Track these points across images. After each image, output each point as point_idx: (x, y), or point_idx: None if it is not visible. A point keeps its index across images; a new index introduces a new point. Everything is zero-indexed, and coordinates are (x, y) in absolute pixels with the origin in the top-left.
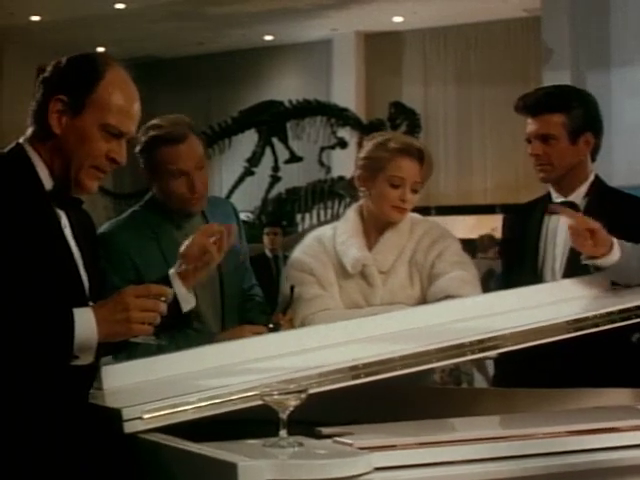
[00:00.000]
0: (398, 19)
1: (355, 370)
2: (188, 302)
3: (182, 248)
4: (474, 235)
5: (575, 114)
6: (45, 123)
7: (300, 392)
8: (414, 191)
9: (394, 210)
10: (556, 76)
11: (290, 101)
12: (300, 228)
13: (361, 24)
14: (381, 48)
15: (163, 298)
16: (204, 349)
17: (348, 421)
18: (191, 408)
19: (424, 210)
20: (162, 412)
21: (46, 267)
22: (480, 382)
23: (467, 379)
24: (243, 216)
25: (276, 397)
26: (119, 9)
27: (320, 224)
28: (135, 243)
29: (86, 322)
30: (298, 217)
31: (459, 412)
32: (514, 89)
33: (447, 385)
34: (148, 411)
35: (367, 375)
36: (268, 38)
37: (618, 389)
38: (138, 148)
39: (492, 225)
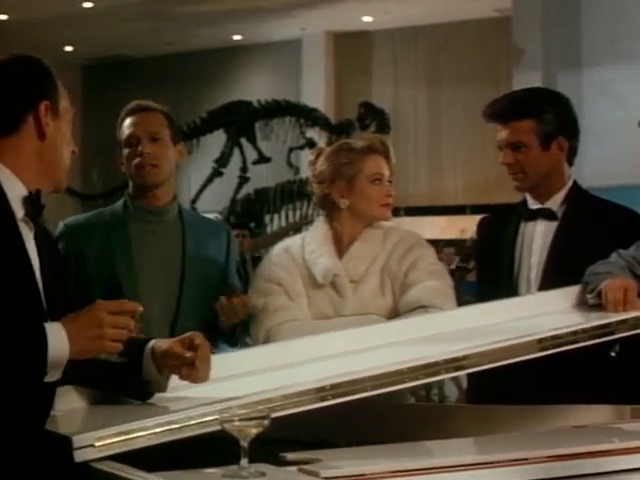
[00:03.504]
0: (368, 19)
1: (322, 392)
2: (159, 387)
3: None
4: (446, 236)
5: (545, 119)
6: (28, 130)
7: (262, 418)
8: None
9: (384, 208)
10: (527, 76)
11: (259, 101)
12: (269, 229)
13: (331, 24)
14: (351, 48)
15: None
16: None
17: (315, 438)
18: (147, 434)
19: (393, 211)
20: (116, 439)
21: (13, 282)
22: (451, 387)
23: (438, 384)
24: (212, 217)
25: (237, 424)
26: (87, 8)
27: (289, 225)
28: (86, 242)
29: (57, 338)
30: (267, 218)
31: (434, 430)
32: (485, 89)
33: (418, 391)
34: (100, 438)
35: (335, 397)
36: (237, 38)
37: (598, 405)
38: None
39: (462, 226)
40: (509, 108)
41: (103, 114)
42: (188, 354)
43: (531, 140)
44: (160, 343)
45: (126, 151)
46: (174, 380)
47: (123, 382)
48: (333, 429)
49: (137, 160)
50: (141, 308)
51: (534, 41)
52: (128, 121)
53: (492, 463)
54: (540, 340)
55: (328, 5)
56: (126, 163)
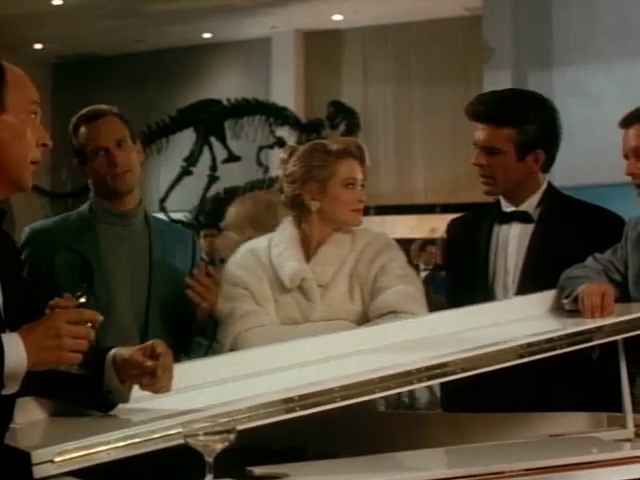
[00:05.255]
0: (338, 17)
1: (290, 403)
2: (121, 398)
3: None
4: (415, 235)
5: (526, 130)
6: None
7: (228, 432)
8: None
9: (355, 213)
10: (497, 75)
11: (228, 100)
12: None
13: (301, 22)
14: (321, 47)
15: (90, 324)
16: None
17: (284, 446)
18: (108, 449)
19: (363, 210)
20: (76, 454)
21: None
22: (422, 390)
23: None
24: (181, 216)
25: (201, 438)
26: (57, 5)
27: None
28: (55, 247)
29: (15, 349)
30: None
31: (407, 438)
32: (455, 88)
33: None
34: (60, 453)
35: (303, 408)
36: (207, 36)
37: (574, 413)
38: (71, 139)
39: (432, 225)
40: (492, 111)
41: (73, 112)
42: (149, 363)
43: (508, 148)
44: (121, 352)
45: (94, 161)
46: (137, 391)
47: (84, 393)
48: (303, 436)
49: (112, 169)
50: (101, 317)
51: (504, 40)
52: (86, 130)
53: (466, 477)
54: (515, 348)
55: (298, 3)
56: (96, 173)
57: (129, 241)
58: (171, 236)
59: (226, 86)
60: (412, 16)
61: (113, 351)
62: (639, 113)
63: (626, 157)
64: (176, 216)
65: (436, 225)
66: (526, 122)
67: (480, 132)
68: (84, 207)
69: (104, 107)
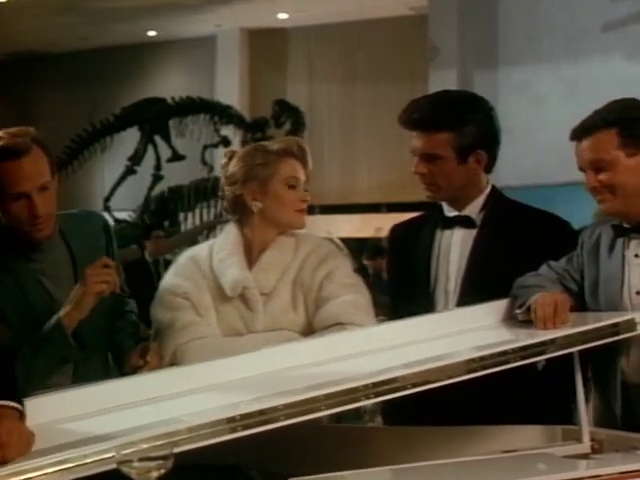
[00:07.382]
0: (283, 16)
1: (232, 422)
2: None
3: None
4: (361, 234)
5: (464, 132)
6: None
7: (164, 458)
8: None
9: (298, 214)
10: (442, 75)
11: (173, 98)
12: (183, 227)
13: (246, 20)
14: (266, 45)
15: None
16: (45, 399)
17: (226, 463)
18: (38, 475)
19: (308, 209)
20: None
21: None
22: None
23: None
24: (125, 215)
25: (135, 465)
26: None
27: (203, 224)
28: None
29: None
30: (181, 216)
31: (354, 453)
32: (400, 87)
33: None
34: None
35: (245, 428)
36: (151, 34)
37: (527, 426)
38: None
39: (377, 224)
40: (426, 117)
41: (15, 111)
42: None
43: (447, 153)
44: None
45: (11, 207)
46: (68, 411)
47: None
48: (245, 452)
49: (33, 220)
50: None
51: (450, 39)
52: (5, 169)
53: None
54: (466, 362)
55: (243, 2)
56: (11, 219)
57: (51, 271)
58: (89, 238)
59: (170, 84)
60: (357, 15)
61: None
62: (589, 125)
63: (582, 170)
64: (121, 215)
65: (382, 224)
66: (462, 124)
67: (416, 140)
68: None
69: (25, 140)
